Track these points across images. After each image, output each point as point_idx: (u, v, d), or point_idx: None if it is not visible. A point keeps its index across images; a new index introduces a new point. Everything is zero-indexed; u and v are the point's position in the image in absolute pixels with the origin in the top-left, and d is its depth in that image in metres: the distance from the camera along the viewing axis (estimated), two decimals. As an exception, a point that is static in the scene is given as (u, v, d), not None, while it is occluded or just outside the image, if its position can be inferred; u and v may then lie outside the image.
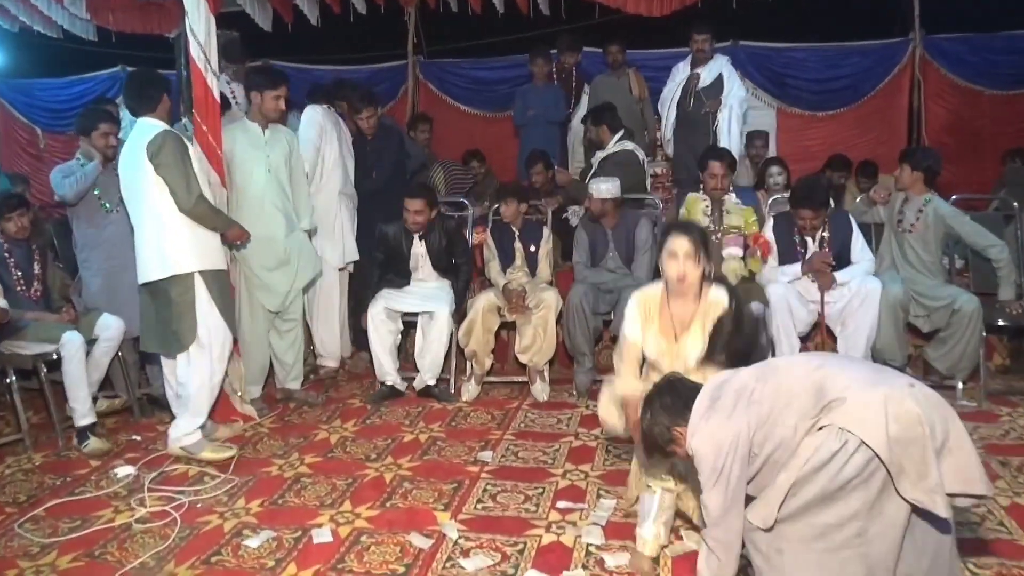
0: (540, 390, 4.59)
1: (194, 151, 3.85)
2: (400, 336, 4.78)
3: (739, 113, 5.75)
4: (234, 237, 3.95)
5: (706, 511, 2.14)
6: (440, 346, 4.61)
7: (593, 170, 5.33)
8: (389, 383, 4.66)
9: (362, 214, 5.08)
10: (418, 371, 4.71)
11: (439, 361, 4.65)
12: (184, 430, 3.76)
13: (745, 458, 2.08)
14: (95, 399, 4.18)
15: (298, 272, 4.41)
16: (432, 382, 4.65)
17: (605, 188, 4.53)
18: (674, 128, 5.92)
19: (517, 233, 4.91)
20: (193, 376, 3.76)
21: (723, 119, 5.69)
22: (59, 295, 4.31)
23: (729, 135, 5.66)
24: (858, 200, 5.10)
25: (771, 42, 7.49)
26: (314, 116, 4.81)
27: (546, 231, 4.98)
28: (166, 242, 3.66)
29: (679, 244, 2.71)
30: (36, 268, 4.23)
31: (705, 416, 2.16)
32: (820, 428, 1.99)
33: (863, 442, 1.92)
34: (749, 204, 4.69)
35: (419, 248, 4.76)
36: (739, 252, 4.55)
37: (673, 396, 2.27)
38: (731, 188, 4.65)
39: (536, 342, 4.57)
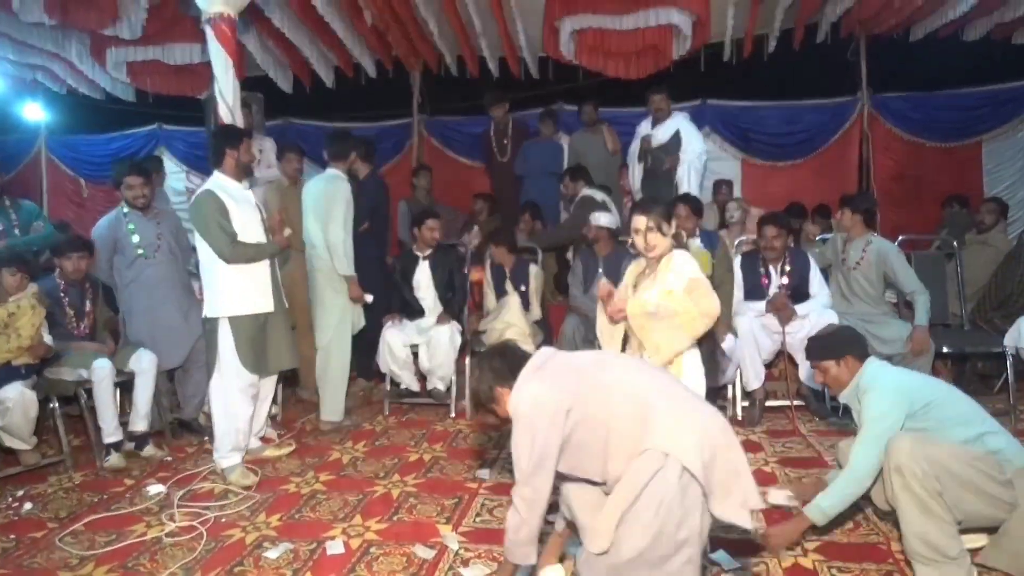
0: None
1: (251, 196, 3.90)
2: (412, 354, 4.81)
3: (698, 167, 5.67)
4: (283, 245, 3.95)
5: (517, 467, 2.06)
6: (445, 356, 4.67)
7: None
8: (405, 385, 4.85)
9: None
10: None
11: (446, 369, 4.71)
12: (219, 452, 3.77)
13: (560, 426, 2.00)
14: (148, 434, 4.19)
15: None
16: (441, 386, 4.75)
17: (605, 219, 4.58)
18: (640, 181, 5.91)
19: (508, 272, 4.97)
20: (213, 403, 3.79)
21: (683, 173, 5.64)
22: (104, 328, 4.29)
23: (689, 187, 5.60)
24: (816, 238, 5.17)
25: (736, 100, 7.63)
26: None
27: (533, 268, 5.03)
28: (207, 285, 3.78)
29: (639, 221, 2.91)
30: (87, 306, 4.21)
31: (530, 379, 2.10)
32: (644, 451, 1.97)
33: (684, 467, 1.95)
34: (711, 246, 4.48)
35: (424, 272, 4.89)
36: None
37: (502, 359, 2.19)
38: (697, 232, 4.49)
39: None
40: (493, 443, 4.16)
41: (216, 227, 3.64)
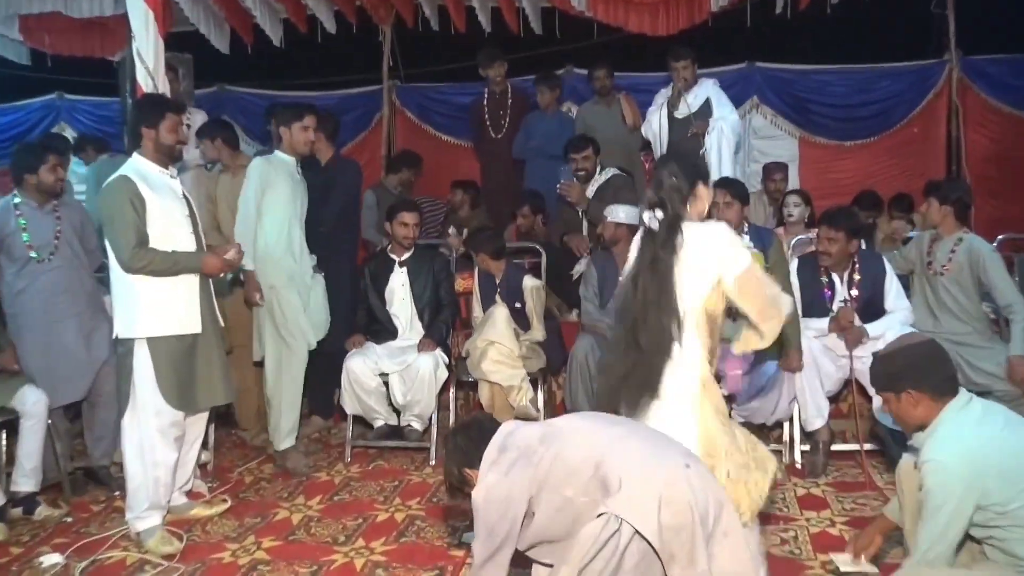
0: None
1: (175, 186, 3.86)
2: (384, 383, 4.82)
3: (731, 139, 5.70)
4: (214, 269, 3.83)
5: (473, 557, 2.42)
6: (426, 390, 4.70)
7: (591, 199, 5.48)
8: (382, 422, 4.88)
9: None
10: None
11: (426, 405, 4.74)
12: (133, 511, 3.72)
13: (517, 519, 2.33)
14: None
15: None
16: (418, 425, 4.79)
17: (623, 213, 4.54)
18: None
19: (498, 282, 4.99)
20: (126, 448, 3.74)
21: (712, 144, 5.65)
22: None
23: (720, 163, 5.62)
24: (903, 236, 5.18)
25: (791, 64, 7.64)
26: None
27: (529, 282, 5.02)
28: (117, 298, 3.74)
29: None
30: None
31: (491, 467, 2.41)
32: (600, 515, 2.23)
33: (636, 531, 2.18)
34: (763, 246, 4.32)
35: (400, 281, 4.91)
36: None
37: (468, 437, 2.52)
38: (745, 228, 4.41)
39: (495, 400, 4.76)
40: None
41: (123, 222, 3.59)
